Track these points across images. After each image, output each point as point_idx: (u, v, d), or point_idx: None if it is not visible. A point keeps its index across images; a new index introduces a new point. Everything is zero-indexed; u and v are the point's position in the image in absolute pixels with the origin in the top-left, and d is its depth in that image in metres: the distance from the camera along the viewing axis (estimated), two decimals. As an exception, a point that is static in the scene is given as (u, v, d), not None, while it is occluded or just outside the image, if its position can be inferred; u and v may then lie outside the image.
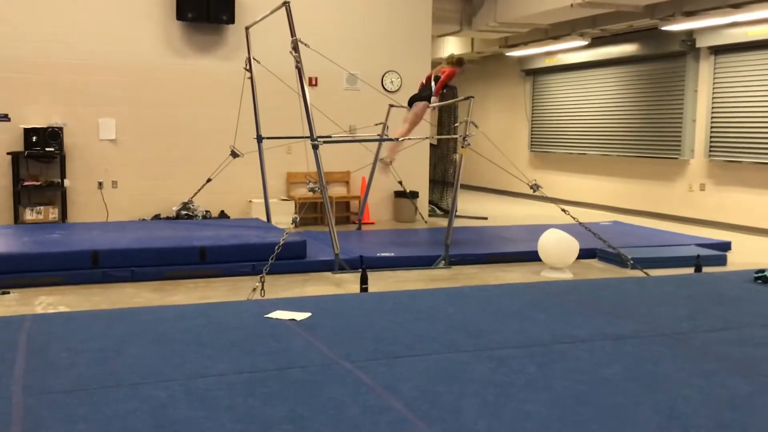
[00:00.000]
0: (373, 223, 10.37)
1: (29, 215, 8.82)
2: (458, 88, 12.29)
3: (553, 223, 7.84)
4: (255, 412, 2.72)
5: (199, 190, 9.03)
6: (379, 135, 9.01)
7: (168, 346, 3.52)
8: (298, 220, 6.75)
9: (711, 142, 10.49)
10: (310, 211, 9.99)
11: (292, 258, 6.78)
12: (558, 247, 6.96)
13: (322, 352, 3.44)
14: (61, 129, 8.94)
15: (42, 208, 8.89)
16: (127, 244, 6.68)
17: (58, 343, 3.57)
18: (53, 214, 8.94)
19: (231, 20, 9.48)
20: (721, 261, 7.49)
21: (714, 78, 10.41)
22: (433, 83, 8.27)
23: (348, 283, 6.42)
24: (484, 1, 11.40)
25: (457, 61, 8.44)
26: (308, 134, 7.09)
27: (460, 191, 8.16)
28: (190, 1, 9.27)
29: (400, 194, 10.52)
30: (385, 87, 10.52)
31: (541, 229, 7.40)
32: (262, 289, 5.54)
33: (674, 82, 11.07)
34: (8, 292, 5.84)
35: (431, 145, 11.34)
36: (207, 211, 9.52)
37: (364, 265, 6.27)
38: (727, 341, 3.73)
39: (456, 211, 8.04)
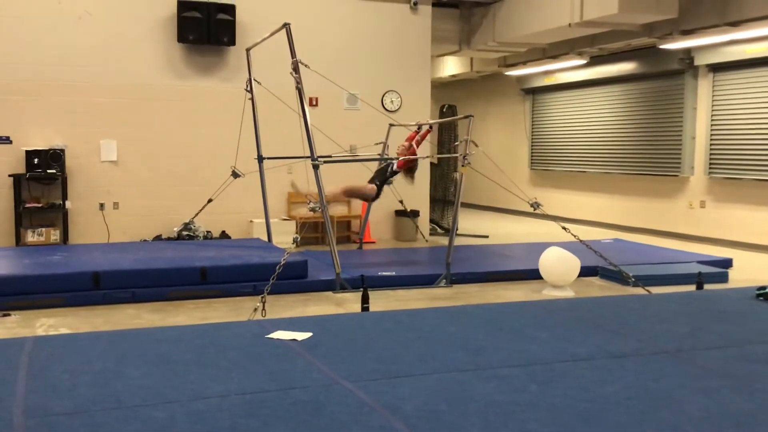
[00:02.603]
0: (374, 242, 10.37)
1: (31, 237, 8.83)
2: (458, 107, 12.35)
3: (553, 241, 7.84)
4: (256, 432, 2.71)
5: (201, 210, 9.05)
6: (379, 154, 9.03)
7: (169, 367, 3.51)
8: (299, 239, 6.76)
9: (711, 159, 10.52)
10: (311, 231, 10.00)
11: (293, 278, 6.77)
12: (559, 265, 6.95)
13: (323, 372, 3.43)
14: (62, 151, 8.98)
15: (43, 229, 8.91)
16: (129, 265, 6.68)
17: (58, 365, 3.56)
18: (54, 235, 8.95)
19: (232, 42, 9.54)
20: (723, 278, 7.48)
21: (713, 95, 10.46)
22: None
23: (349, 302, 6.41)
24: (482, 21, 11.47)
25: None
26: (309, 154, 7.12)
27: (460, 210, 8.17)
28: (191, 23, 9.34)
29: (400, 213, 10.53)
30: (385, 107, 10.57)
31: (542, 247, 7.40)
32: (264, 309, 5.53)
33: (673, 100, 11.12)
34: (9, 314, 5.83)
35: (431, 163, 11.36)
36: (208, 232, 9.53)
37: (365, 284, 6.27)
38: (729, 358, 3.72)
39: (457, 229, 8.03)
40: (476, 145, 7.58)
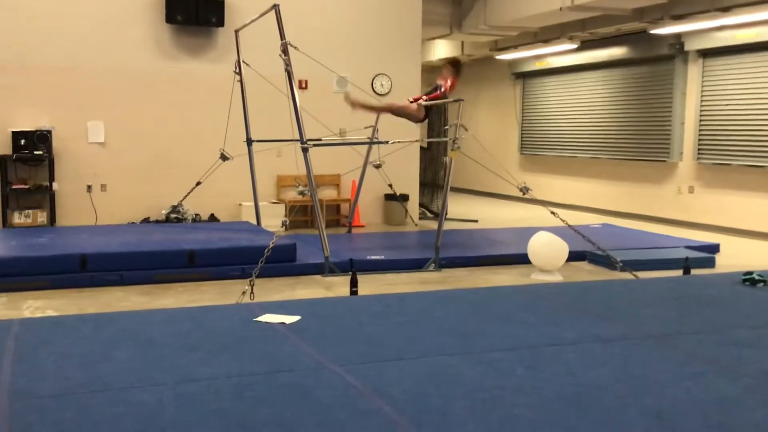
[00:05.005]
0: (363, 226, 10.36)
1: (18, 219, 8.77)
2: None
3: (542, 226, 7.86)
4: (243, 416, 2.71)
5: (189, 193, 9.00)
6: (369, 138, 9.01)
7: (156, 350, 3.51)
8: (288, 223, 6.74)
9: (699, 144, 10.55)
10: (300, 214, 9.98)
11: (282, 261, 6.76)
12: (547, 250, 6.97)
13: (311, 356, 3.44)
14: (49, 132, 8.90)
15: (30, 211, 8.85)
16: (116, 248, 6.65)
17: (45, 347, 3.55)
18: (42, 217, 8.90)
19: (220, 23, 9.46)
20: (710, 263, 7.53)
21: (702, 81, 10.47)
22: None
23: (338, 286, 6.41)
24: (473, 4, 11.43)
25: (452, 63, 8.13)
26: (298, 137, 7.09)
27: (450, 194, 8.17)
28: (179, 3, 9.25)
29: (390, 197, 10.52)
30: (375, 90, 10.52)
31: (531, 231, 7.42)
32: (252, 292, 5.52)
33: (663, 85, 11.13)
34: (-4, 296, 5.81)
35: (421, 147, 11.34)
36: (196, 215, 9.50)
37: (354, 268, 6.26)
38: (715, 343, 3.75)
39: (446, 213, 8.03)
40: (466, 130, 7.56)
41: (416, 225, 10.55)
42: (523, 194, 7.20)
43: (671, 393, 3.02)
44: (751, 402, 2.95)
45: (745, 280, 5.23)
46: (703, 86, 10.47)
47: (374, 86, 10.55)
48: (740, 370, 3.33)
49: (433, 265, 7.23)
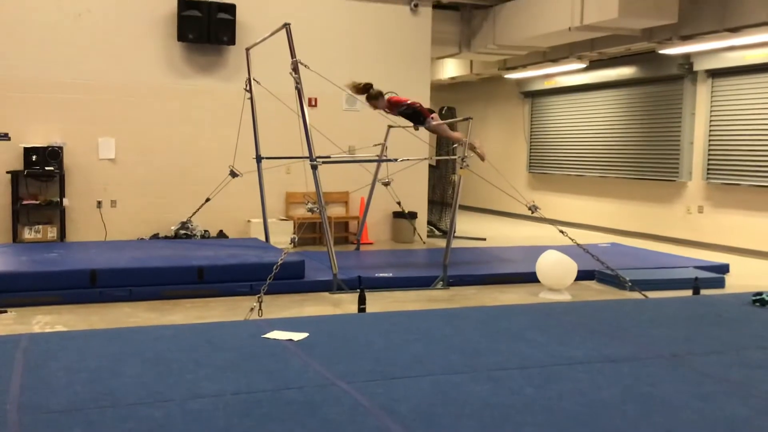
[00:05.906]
0: (371, 244, 10.37)
1: (28, 234, 8.82)
2: (457, 110, 12.35)
3: (551, 245, 7.84)
4: (251, 432, 2.71)
5: (198, 209, 9.04)
6: (378, 156, 9.04)
7: (165, 366, 3.51)
8: (296, 240, 6.75)
9: (709, 164, 10.53)
10: (309, 231, 10.00)
11: (290, 278, 6.77)
12: (556, 269, 6.95)
13: (319, 373, 3.43)
14: (60, 148, 8.97)
15: (41, 227, 8.89)
16: (125, 264, 6.67)
17: (54, 362, 3.56)
18: (52, 233, 8.94)
19: (231, 41, 9.54)
20: (719, 283, 7.49)
21: (711, 101, 10.47)
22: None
23: (346, 303, 6.41)
24: (483, 23, 11.48)
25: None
26: (307, 155, 7.12)
27: (458, 212, 8.17)
28: (191, 22, 9.33)
29: (398, 215, 10.53)
30: (385, 108, 10.55)
31: (540, 250, 7.41)
32: (260, 309, 5.52)
33: (672, 105, 11.13)
34: (6, 311, 5.82)
35: (430, 165, 11.36)
36: (205, 231, 9.53)
37: (362, 285, 6.27)
38: (725, 363, 3.72)
39: (454, 231, 8.03)
40: (473, 150, 7.59)
41: (424, 243, 10.54)
42: (532, 213, 7.20)
43: (681, 413, 3.00)
44: (761, 422, 2.92)
45: (754, 301, 5.20)
46: (712, 106, 10.47)
47: (383, 104, 10.57)
48: (750, 390, 3.31)
49: (441, 283, 7.22)
